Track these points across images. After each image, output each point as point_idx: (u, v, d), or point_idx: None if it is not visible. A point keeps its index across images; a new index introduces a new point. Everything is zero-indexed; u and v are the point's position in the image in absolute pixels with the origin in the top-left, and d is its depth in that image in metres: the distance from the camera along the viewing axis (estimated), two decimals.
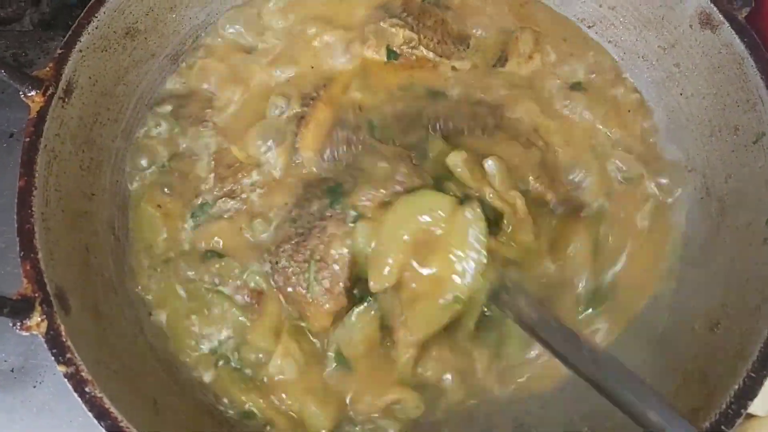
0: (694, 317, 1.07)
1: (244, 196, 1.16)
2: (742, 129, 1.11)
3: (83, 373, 0.90)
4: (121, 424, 0.89)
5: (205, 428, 1.04)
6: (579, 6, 1.31)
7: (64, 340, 0.92)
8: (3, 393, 1.23)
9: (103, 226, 1.13)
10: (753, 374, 0.91)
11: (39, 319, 0.92)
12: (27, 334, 0.92)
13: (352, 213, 1.04)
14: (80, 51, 1.09)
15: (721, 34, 1.12)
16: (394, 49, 1.24)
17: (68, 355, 0.91)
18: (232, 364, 1.09)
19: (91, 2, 1.12)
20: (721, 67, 1.14)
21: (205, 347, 1.10)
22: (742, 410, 0.89)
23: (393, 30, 1.23)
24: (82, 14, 1.11)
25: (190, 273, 1.13)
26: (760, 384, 0.90)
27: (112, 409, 0.89)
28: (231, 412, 1.07)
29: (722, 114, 1.14)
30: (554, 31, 1.31)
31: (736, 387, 0.91)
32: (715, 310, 1.04)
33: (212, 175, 1.18)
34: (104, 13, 1.12)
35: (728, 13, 1.12)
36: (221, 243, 1.14)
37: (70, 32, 1.10)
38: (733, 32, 1.10)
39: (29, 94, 1.04)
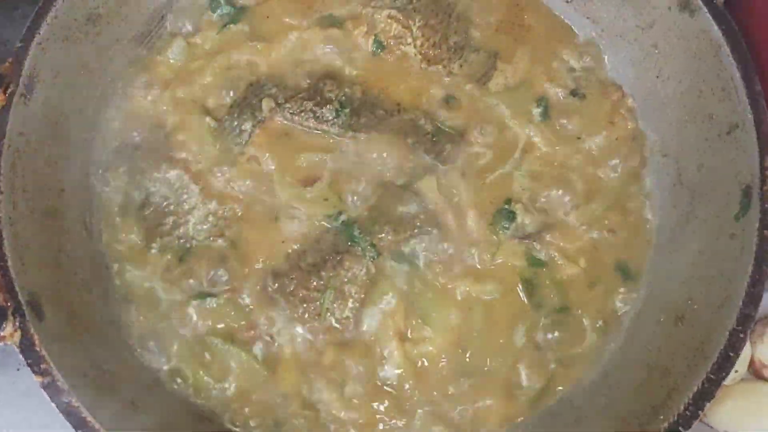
0: (661, 309, 1.09)
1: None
2: (716, 118, 1.09)
3: (59, 383, 0.92)
4: None
5: (185, 424, 1.06)
6: None
7: (39, 349, 0.93)
8: None
9: (75, 222, 1.12)
10: (712, 376, 0.92)
11: (12, 329, 0.93)
12: (1, 344, 0.93)
13: (372, 251, 1.10)
14: (40, 43, 1.06)
15: (698, 18, 1.10)
16: (382, 40, 1.22)
17: (43, 365, 0.92)
18: None
19: None
20: (698, 52, 1.11)
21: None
22: (700, 411, 0.92)
23: (388, 21, 1.22)
24: (40, 4, 1.07)
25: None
26: (718, 386, 0.92)
27: (89, 418, 0.91)
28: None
29: (698, 100, 1.12)
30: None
31: (695, 389, 0.93)
32: (680, 304, 1.05)
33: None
34: (63, 0, 1.08)
35: None
36: None
37: (28, 24, 1.06)
38: (711, 18, 1.08)
39: None
